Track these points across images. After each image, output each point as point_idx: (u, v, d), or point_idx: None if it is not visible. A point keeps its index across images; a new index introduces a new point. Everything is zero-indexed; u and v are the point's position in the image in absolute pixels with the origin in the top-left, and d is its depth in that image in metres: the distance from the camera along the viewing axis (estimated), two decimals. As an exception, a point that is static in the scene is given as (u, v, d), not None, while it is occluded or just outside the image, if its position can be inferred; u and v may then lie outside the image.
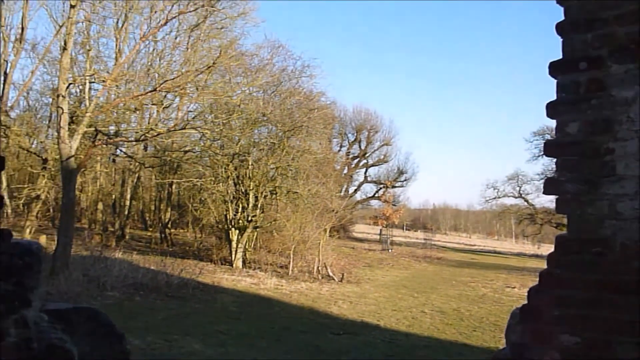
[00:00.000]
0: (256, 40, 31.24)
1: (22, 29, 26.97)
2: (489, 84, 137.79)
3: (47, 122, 23.75)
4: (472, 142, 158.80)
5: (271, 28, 73.21)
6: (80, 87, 19.01)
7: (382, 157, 54.14)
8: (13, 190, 25.09)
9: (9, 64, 27.05)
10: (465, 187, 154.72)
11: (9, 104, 26.21)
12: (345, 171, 49.40)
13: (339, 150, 51.01)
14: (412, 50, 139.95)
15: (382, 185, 53.48)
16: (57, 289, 12.46)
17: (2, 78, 26.97)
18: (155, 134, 18.08)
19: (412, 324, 13.38)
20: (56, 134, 16.50)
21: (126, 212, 29.90)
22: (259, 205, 23.50)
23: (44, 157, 21.75)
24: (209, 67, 17.87)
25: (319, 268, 22.42)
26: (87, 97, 17.11)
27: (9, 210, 26.80)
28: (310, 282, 19.95)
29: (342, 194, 40.63)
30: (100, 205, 29.36)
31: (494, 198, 54.40)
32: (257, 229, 24.44)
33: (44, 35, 60.86)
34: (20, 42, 26.98)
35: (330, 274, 21.87)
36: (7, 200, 26.06)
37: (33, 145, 23.10)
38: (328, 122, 31.76)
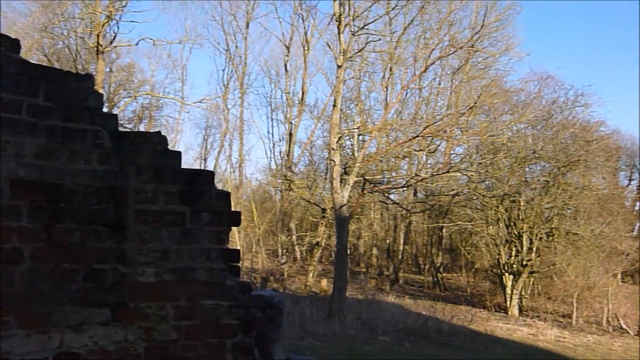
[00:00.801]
0: (521, 74, 30.28)
1: (303, 93, 30.30)
2: None
3: (324, 174, 25.91)
4: None
5: (538, 58, 69.40)
6: (352, 139, 20.35)
7: (685, 189, 46.49)
8: (298, 238, 27.72)
9: (293, 125, 30.50)
10: None
11: (294, 161, 29.40)
12: (637, 207, 43.56)
13: (628, 184, 45.29)
14: None
15: (687, 222, 45.72)
16: (332, 331, 13.14)
17: (288, 138, 30.48)
18: (420, 179, 18.27)
19: None
20: (330, 185, 17.78)
21: (399, 257, 30.70)
22: (534, 249, 21.97)
23: (322, 207, 23.64)
24: (471, 108, 17.56)
25: (609, 319, 19.85)
26: (355, 149, 18.18)
27: (298, 256, 29.69)
28: (599, 335, 17.72)
29: (634, 233, 35.74)
30: (374, 250, 30.66)
31: None
32: (534, 274, 22.80)
33: (324, 97, 67.56)
34: (302, 105, 30.28)
35: (624, 326, 19.16)
36: (295, 247, 28.93)
37: (315, 197, 25.30)
38: (611, 153, 28.57)
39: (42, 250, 2.36)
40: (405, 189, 23.21)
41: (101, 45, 23.43)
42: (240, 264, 3.11)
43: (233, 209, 2.96)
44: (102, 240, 2.52)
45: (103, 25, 23.51)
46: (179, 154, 2.78)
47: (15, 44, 2.35)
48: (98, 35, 23.24)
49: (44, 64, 24.90)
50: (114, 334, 2.50)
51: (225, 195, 2.87)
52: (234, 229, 21.30)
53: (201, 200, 2.76)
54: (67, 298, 2.41)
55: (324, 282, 22.68)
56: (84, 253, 2.47)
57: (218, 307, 2.75)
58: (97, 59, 23.95)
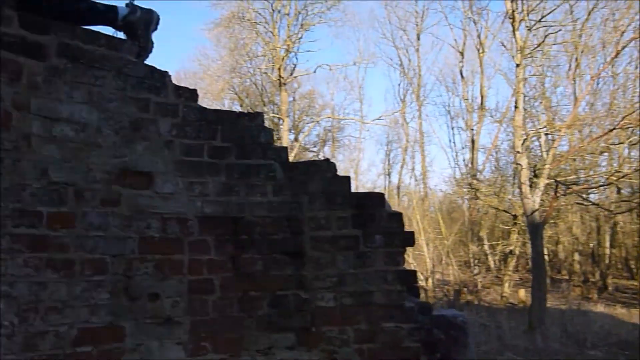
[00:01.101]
0: None
1: (482, 97, 29.31)
2: None
3: (512, 179, 24.68)
4: None
5: None
6: (539, 139, 19.16)
7: None
8: (490, 247, 26.63)
9: (475, 132, 29.59)
10: None
11: (479, 168, 28.44)
12: None
13: None
14: None
15: None
16: (534, 345, 12.35)
17: (470, 145, 29.62)
18: (622, 175, 16.54)
19: None
20: (519, 190, 16.88)
21: (606, 261, 28.01)
22: None
23: (512, 214, 22.50)
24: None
25: None
26: (544, 149, 17.08)
27: (491, 265, 28.53)
28: None
29: None
30: (576, 256, 28.37)
31: None
32: None
33: (504, 99, 64.87)
34: (482, 110, 29.29)
35: None
36: (488, 256, 27.86)
37: (503, 203, 24.16)
38: None
39: (229, 279, 2.55)
40: (605, 187, 21.20)
41: (283, 78, 25.04)
42: (419, 284, 3.06)
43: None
44: (283, 267, 2.65)
45: (283, 59, 25.14)
46: (347, 178, 2.83)
47: (193, 94, 2.59)
48: (279, 69, 24.89)
49: (235, 101, 27.32)
50: (300, 357, 2.61)
51: (397, 215, 2.85)
52: (422, 242, 21.17)
53: (373, 222, 2.78)
54: (254, 324, 2.57)
55: (522, 292, 21.48)
56: (267, 281, 2.62)
57: (398, 330, 2.73)
58: (280, 90, 25.63)
